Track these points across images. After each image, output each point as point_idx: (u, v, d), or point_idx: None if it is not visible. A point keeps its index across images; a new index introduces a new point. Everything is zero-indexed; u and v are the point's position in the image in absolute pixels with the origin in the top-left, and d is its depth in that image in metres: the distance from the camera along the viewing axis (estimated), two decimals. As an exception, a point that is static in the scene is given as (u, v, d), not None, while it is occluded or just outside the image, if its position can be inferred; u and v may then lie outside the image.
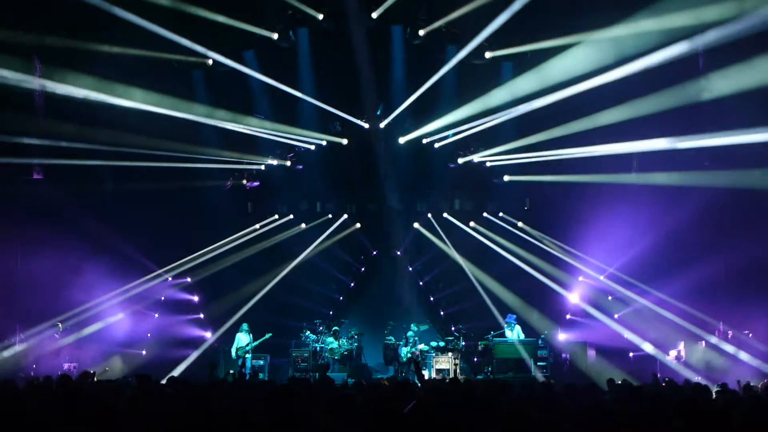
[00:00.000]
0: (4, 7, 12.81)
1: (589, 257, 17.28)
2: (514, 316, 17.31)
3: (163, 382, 9.91)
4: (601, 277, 17.22)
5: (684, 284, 15.33)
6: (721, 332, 15.20)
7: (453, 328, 18.20)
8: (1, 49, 12.40)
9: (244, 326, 17.05)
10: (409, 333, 17.41)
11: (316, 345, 17.53)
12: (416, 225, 19.63)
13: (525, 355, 16.19)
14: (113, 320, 16.24)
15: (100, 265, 15.58)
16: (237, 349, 16.77)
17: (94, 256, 15.41)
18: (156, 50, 14.51)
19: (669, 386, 9.60)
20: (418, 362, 13.42)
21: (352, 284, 20.38)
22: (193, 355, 16.94)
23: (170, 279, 17.44)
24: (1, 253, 14.72)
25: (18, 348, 14.60)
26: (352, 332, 18.03)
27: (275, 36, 15.06)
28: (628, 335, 16.25)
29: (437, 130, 17.36)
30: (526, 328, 17.23)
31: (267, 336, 16.99)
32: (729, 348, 14.76)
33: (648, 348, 15.75)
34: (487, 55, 15.32)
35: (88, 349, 15.49)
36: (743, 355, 14.43)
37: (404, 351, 17.15)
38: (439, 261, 19.44)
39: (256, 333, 16.93)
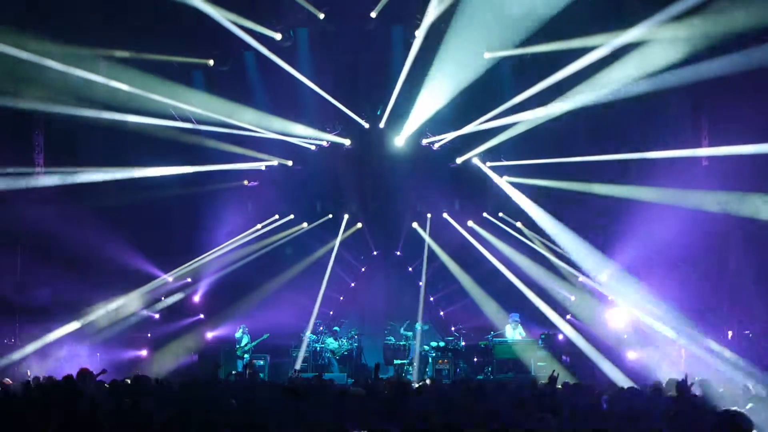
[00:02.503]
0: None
1: (585, 261, 17.30)
2: (518, 314, 17.29)
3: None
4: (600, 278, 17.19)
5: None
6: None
7: (453, 328, 18.20)
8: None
9: (242, 327, 17.08)
10: (409, 334, 17.42)
11: (316, 345, 17.55)
12: (415, 225, 19.63)
13: (525, 355, 16.21)
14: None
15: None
16: (237, 349, 16.81)
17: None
18: (157, 50, 14.52)
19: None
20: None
21: (353, 284, 20.40)
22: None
23: (171, 280, 17.46)
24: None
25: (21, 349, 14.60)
26: (352, 332, 18.04)
27: (278, 36, 15.04)
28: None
29: (436, 129, 17.35)
30: (527, 327, 17.23)
31: (265, 336, 17.04)
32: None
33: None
34: (486, 56, 15.30)
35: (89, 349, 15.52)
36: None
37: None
38: (437, 260, 19.44)
39: (255, 333, 16.97)
